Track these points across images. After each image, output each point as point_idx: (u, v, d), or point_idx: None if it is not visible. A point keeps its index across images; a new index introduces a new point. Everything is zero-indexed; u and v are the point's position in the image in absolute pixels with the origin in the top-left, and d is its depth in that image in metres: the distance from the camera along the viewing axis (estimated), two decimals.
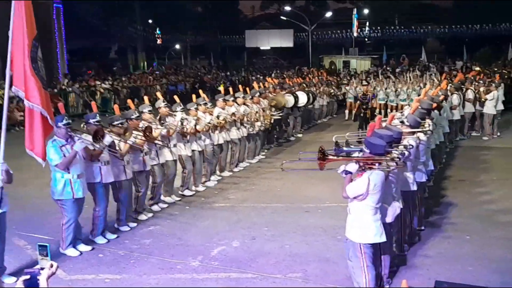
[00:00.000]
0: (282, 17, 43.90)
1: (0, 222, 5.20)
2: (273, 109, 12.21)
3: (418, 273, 5.40)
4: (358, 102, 14.59)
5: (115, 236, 6.59)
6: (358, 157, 4.67)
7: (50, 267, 2.65)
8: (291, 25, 42.74)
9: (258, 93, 11.35)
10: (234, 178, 9.93)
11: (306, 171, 7.47)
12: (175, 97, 9.44)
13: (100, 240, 6.42)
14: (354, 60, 35.56)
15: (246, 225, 7.04)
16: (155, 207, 7.82)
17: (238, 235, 6.66)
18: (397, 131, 5.10)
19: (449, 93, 11.79)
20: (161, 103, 8.22)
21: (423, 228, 6.59)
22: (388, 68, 29.51)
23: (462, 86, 13.32)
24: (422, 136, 6.10)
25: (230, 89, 11.12)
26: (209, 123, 8.99)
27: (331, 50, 45.38)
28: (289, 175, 9.14)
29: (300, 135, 14.82)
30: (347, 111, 18.58)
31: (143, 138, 6.96)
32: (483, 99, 13.38)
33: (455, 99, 12.14)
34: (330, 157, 4.59)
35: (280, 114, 12.73)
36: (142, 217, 7.34)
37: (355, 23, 42.32)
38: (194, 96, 9.36)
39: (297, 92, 14.26)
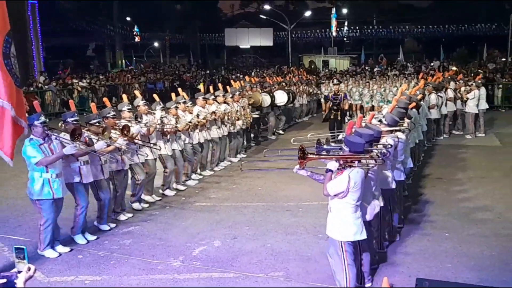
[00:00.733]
0: (261, 16, 43.99)
1: None
2: (251, 107, 12.18)
3: (399, 270, 5.45)
4: (329, 102, 13.40)
5: (95, 237, 6.50)
6: (338, 155, 4.70)
7: (28, 270, 2.59)
8: (270, 24, 42.89)
9: (238, 92, 11.33)
10: (215, 177, 9.89)
11: (279, 170, 7.29)
12: (155, 95, 9.34)
13: (79, 240, 6.33)
14: (333, 60, 35.90)
15: (227, 225, 7.02)
16: (136, 205, 7.74)
17: (220, 234, 6.63)
18: (377, 130, 5.14)
19: (426, 92, 11.96)
20: (139, 101, 8.16)
21: (402, 225, 6.67)
22: (367, 68, 29.79)
23: (443, 87, 13.48)
24: (401, 135, 6.16)
25: (211, 87, 11.07)
26: (189, 122, 8.95)
27: (310, 49, 45.75)
28: (270, 174, 9.14)
29: (282, 132, 14.86)
30: (323, 112, 18.49)
31: (122, 136, 6.87)
32: (464, 99, 13.58)
33: (433, 98, 12.32)
34: (310, 155, 4.62)
35: (257, 113, 12.71)
36: (122, 217, 7.25)
37: (334, 22, 42.58)
38: (173, 94, 9.31)
39: (276, 91, 14.28)
